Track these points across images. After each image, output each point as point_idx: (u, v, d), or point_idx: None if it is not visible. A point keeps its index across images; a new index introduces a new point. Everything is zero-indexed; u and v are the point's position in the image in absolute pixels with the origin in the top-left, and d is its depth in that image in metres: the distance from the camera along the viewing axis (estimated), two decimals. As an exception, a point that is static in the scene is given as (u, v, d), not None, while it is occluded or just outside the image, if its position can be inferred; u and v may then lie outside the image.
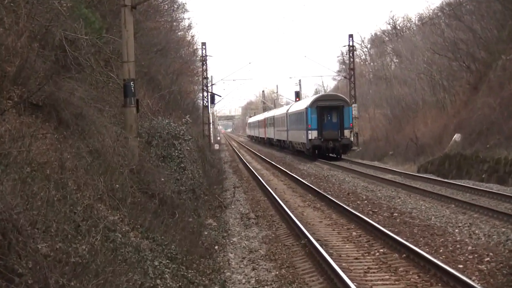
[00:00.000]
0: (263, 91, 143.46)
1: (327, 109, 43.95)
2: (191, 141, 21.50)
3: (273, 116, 66.29)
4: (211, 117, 68.85)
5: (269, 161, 41.58)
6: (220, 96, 76.54)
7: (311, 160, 43.68)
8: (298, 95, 70.57)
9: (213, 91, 70.38)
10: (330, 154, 45.11)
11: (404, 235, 14.98)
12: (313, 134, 43.55)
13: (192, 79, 59.60)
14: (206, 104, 63.54)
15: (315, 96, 49.37)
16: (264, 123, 76.87)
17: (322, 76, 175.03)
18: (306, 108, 44.84)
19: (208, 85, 65.84)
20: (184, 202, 16.32)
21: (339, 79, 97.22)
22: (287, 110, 56.45)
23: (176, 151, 19.37)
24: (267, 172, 34.57)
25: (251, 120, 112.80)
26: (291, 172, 32.50)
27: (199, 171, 20.99)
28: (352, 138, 44.48)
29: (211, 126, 68.23)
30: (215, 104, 71.00)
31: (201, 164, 23.83)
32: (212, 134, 67.11)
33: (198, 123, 53.99)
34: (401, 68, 66.10)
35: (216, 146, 60.05)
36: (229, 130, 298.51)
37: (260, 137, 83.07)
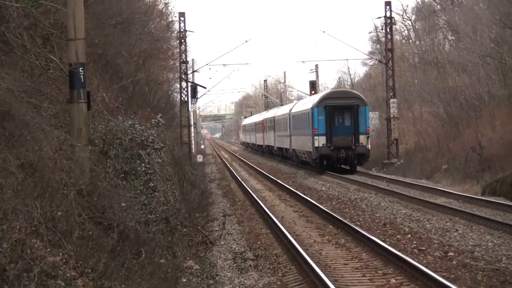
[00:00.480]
0: (265, 80, 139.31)
1: (338, 109, 47.61)
2: (164, 150, 21.52)
3: (274, 117, 69.50)
4: (192, 117, 69.84)
5: (272, 179, 41.80)
6: (205, 88, 71.66)
7: (321, 174, 47.02)
8: (313, 87, 68.66)
9: (195, 81, 69.81)
10: (342, 166, 48.74)
11: (464, 283, 15.01)
12: (320, 141, 47.19)
13: (165, 63, 57.85)
14: (185, 98, 62.62)
15: (323, 93, 53.17)
16: (262, 126, 79.43)
17: (347, 60, 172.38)
18: (312, 108, 48.36)
19: (189, 72, 66.21)
20: (153, 236, 16.33)
21: (371, 64, 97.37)
22: (290, 109, 59.96)
23: (143, 164, 19.22)
24: (270, 194, 34.71)
25: (246, 121, 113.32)
26: (304, 193, 32.87)
27: (175, 193, 21.00)
28: (369, 145, 47.74)
29: (192, 129, 69.28)
30: (197, 98, 70.88)
31: (178, 183, 23.87)
32: (193, 141, 68.39)
33: (174, 126, 54.72)
34: (459, 49, 66.08)
35: (199, 158, 60.92)
36: (217, 135, 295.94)
37: (258, 145, 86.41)
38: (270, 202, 30.89)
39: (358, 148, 46.74)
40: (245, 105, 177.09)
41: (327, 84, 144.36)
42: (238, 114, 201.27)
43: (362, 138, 47.07)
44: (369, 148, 47.85)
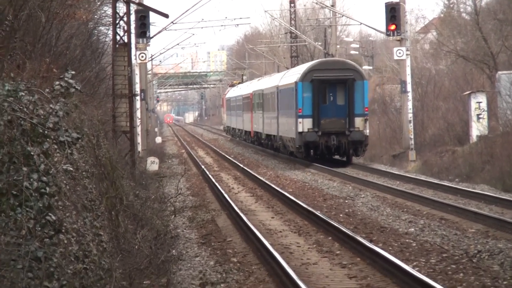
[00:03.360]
0: (292, 2, 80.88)
1: (328, 84, 41.64)
2: (81, 146, 13.64)
3: (262, 90, 57.17)
4: (139, 78, 44.13)
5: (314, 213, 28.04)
6: (167, 17, 35.98)
7: (305, 165, 41.57)
8: (394, 17, 43.75)
9: (146, 2, 42.89)
10: (336, 157, 43.32)
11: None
12: (305, 125, 41.13)
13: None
14: (125, 39, 33.40)
15: (310, 63, 46.95)
16: (250, 103, 63.49)
17: None
18: (296, 83, 42.14)
19: None
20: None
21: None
22: (279, 80, 50.13)
23: (35, 176, 11.17)
24: (293, 235, 21.78)
25: (231, 94, 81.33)
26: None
27: (101, 237, 12.97)
28: (367, 130, 41.46)
29: (139, 103, 43.00)
30: (150, 38, 42.40)
31: (108, 215, 15.37)
32: (140, 127, 43.20)
33: (101, 95, 33.43)
34: None
35: (152, 163, 39.97)
36: (189, 116, 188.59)
37: (245, 131, 68.84)
38: (298, 253, 19.11)
39: (353, 133, 40.35)
40: (251, 55, 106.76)
41: (425, 11, 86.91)
42: (233, 72, 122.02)
43: (358, 122, 40.74)
44: (367, 134, 41.51)
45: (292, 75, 45.59)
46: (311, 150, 41.80)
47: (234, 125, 76.70)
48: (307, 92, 41.27)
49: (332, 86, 41.41)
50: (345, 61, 46.22)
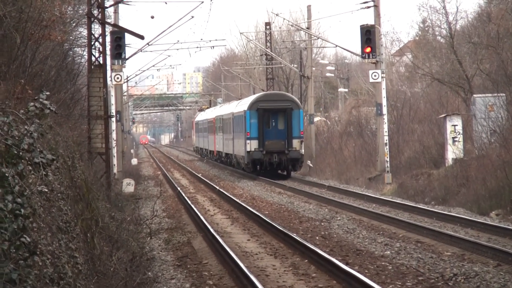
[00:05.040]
0: (267, 24, 78.23)
1: (271, 112, 50.73)
2: (55, 168, 13.34)
3: (222, 115, 66.72)
4: (114, 99, 43.31)
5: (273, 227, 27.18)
6: (142, 38, 36.24)
7: (253, 178, 49.91)
8: (369, 40, 42.45)
9: (123, 24, 40.62)
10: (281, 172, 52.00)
11: None
12: (252, 145, 49.94)
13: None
14: (100, 60, 33.37)
15: (256, 95, 56.36)
16: (214, 126, 72.47)
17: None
18: (245, 111, 51.29)
19: (107, 2, 37.17)
20: None
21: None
22: (235, 108, 59.32)
23: (10, 197, 10.76)
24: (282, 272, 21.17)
25: (200, 117, 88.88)
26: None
27: (76, 259, 12.73)
28: (302, 150, 50.55)
29: (115, 124, 42.54)
30: (126, 60, 41.00)
31: (83, 237, 15.14)
32: (116, 149, 42.86)
33: (77, 117, 32.15)
34: None
35: (128, 185, 39.68)
36: (165, 138, 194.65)
37: (210, 150, 76.59)
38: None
39: (291, 153, 49.24)
40: (226, 77, 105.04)
41: (400, 34, 78.24)
42: (209, 94, 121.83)
43: (296, 143, 49.64)
44: (303, 153, 50.47)
45: (243, 104, 54.32)
46: (258, 166, 50.55)
47: (202, 146, 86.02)
48: (253, 119, 50.06)
49: (274, 114, 50.42)
50: (285, 93, 58.25)
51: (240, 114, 53.31)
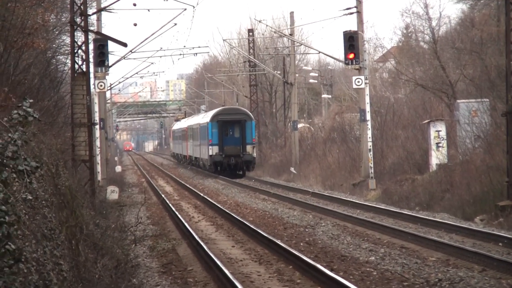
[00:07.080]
0: (250, 31, 78.60)
1: (229, 123, 61.53)
2: (39, 176, 12.97)
3: (192, 125, 77.76)
4: (97, 106, 43.20)
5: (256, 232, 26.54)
6: (125, 46, 36.26)
7: (215, 177, 59.72)
8: (353, 46, 42.58)
9: (106, 32, 43.01)
10: (238, 172, 61.93)
11: None
12: (214, 150, 60.55)
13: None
14: (83, 68, 32.87)
15: (216, 110, 67.53)
16: (186, 135, 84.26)
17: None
18: (207, 122, 62.12)
19: (90, 10, 36.52)
20: None
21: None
22: (201, 119, 71.02)
23: None
24: None
25: (176, 126, 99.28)
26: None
27: (61, 266, 12.57)
28: (255, 154, 61.53)
29: (99, 131, 42.57)
30: (109, 67, 40.13)
31: (67, 244, 14.93)
32: (100, 156, 42.94)
33: (60, 124, 33.07)
34: None
35: (112, 192, 39.37)
36: (148, 145, 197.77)
37: (184, 155, 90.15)
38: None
39: (245, 156, 59.93)
40: (210, 84, 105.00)
41: (383, 40, 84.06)
42: (192, 101, 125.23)
43: (249, 148, 60.37)
44: (255, 156, 61.52)
45: (207, 117, 65.43)
46: (218, 167, 61.29)
47: (177, 151, 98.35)
48: (215, 128, 60.82)
49: (231, 125, 61.44)
50: (240, 108, 68.59)
51: (204, 125, 64.29)
